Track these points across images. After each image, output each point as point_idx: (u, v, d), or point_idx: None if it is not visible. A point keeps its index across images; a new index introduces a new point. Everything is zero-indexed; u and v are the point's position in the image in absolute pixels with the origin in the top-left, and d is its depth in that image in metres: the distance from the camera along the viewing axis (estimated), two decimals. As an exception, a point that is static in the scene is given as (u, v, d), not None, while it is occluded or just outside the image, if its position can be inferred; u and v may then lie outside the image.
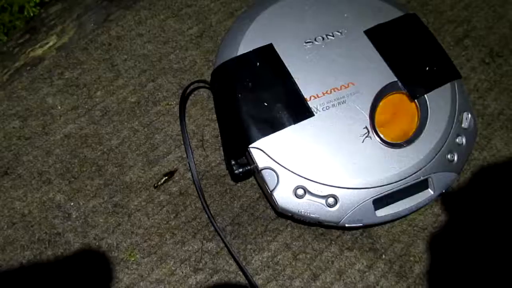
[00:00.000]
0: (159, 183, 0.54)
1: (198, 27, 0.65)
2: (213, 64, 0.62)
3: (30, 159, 0.56)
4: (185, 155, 0.57)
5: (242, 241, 0.53)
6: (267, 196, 0.53)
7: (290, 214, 0.51)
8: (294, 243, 0.53)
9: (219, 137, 0.58)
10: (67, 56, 0.61)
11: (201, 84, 0.60)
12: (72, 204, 0.54)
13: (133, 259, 0.52)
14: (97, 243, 0.52)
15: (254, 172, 0.53)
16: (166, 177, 0.55)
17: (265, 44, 0.56)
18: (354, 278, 0.52)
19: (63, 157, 0.56)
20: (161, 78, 0.61)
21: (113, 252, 0.52)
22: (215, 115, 0.60)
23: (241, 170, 0.53)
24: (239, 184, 0.56)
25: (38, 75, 0.60)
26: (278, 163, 0.51)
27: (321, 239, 0.54)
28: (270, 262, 0.52)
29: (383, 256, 0.53)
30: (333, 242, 0.54)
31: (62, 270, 0.50)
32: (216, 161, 0.57)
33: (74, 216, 0.53)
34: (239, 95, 0.54)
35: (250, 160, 0.53)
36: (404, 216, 0.54)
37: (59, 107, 0.59)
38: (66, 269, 0.51)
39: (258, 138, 0.52)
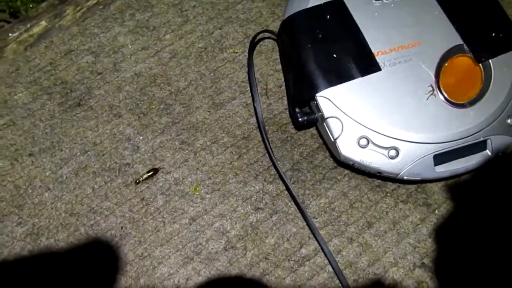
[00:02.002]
0: (141, 179, 0.54)
1: (265, -21, 0.66)
2: (278, 17, 0.64)
3: (101, 93, 0.58)
4: (249, 102, 0.59)
5: (300, 186, 0.55)
6: (329, 145, 0.55)
7: (351, 163, 0.53)
8: (350, 192, 0.55)
9: (282, 87, 0.60)
10: (138, -2, 0.63)
11: (268, 35, 0.61)
12: (141, 138, 0.56)
13: (197, 193, 0.54)
14: (164, 176, 0.55)
15: (317, 121, 0.55)
16: (149, 174, 0.54)
17: (336, -3, 0.57)
18: (407, 229, 0.54)
19: (132, 94, 0.58)
20: (227, 26, 0.63)
21: (179, 186, 0.54)
22: (279, 66, 0.61)
23: (305, 118, 0.55)
24: (299, 133, 0.58)
25: (110, 15, 0.62)
26: (344, 112, 0.53)
27: (376, 190, 0.56)
28: (327, 208, 0.55)
29: (436, 212, 0.55)
30: (388, 194, 0.55)
31: (129, 198, 0.53)
32: (279, 109, 0.59)
33: (142, 149, 0.56)
34: (309, 46, 0.55)
35: (315, 109, 0.55)
36: (460, 175, 0.55)
37: (130, 47, 0.60)
38: (132, 197, 0.53)
39: (326, 88, 0.53)
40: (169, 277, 0.50)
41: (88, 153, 0.55)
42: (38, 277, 0.49)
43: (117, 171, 0.54)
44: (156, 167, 0.54)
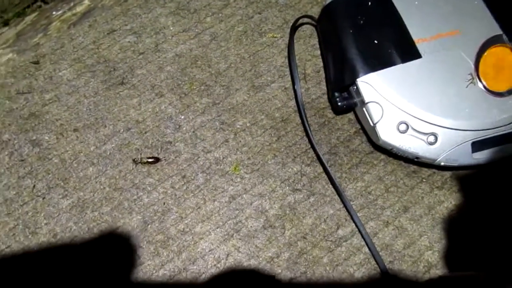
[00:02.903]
0: (140, 160, 0.54)
1: (303, -34, 0.67)
2: (317, 3, 0.64)
3: (143, 72, 0.59)
4: (287, 86, 0.60)
5: (337, 169, 0.56)
6: (368, 129, 0.56)
7: (390, 148, 0.54)
8: (386, 177, 0.56)
9: (320, 72, 0.61)
10: (179, -19, 0.64)
11: (306, 20, 0.62)
12: (182, 117, 0.57)
13: (237, 173, 0.55)
14: (205, 155, 0.56)
15: (356, 106, 0.56)
16: (150, 160, 0.54)
17: (377, -15, 0.58)
18: (442, 214, 0.55)
19: (174, 74, 0.59)
20: (266, 11, 0.64)
21: (219, 165, 0.55)
22: (317, 51, 0.62)
23: (344, 102, 0.56)
24: (337, 118, 0.59)
25: (152, -4, 0.63)
26: (384, 97, 0.54)
27: (412, 176, 0.57)
28: (363, 192, 0.56)
29: (469, 198, 0.56)
30: (424, 180, 0.56)
31: (170, 175, 0.54)
32: (317, 94, 0.60)
33: (184, 128, 0.57)
34: (351, 31, 0.56)
35: (355, 94, 0.56)
36: (497, 162, 0.56)
37: (171, 28, 0.61)
38: (174, 174, 0.54)
39: (367, 73, 0.54)
40: (210, 252, 0.52)
41: (131, 130, 0.56)
42: (85, 247, 0.50)
43: (159, 149, 0.56)
44: (159, 157, 0.55)
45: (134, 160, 0.54)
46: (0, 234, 0.50)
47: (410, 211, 0.55)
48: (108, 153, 0.55)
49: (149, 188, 0.54)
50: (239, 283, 0.50)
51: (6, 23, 0.76)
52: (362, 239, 0.53)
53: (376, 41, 0.56)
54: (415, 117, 0.53)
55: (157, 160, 0.54)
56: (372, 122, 0.54)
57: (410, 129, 0.53)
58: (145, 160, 0.54)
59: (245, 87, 0.60)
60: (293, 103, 0.59)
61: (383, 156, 0.57)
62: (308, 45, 0.62)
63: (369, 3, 0.57)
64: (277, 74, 0.61)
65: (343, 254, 0.53)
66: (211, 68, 0.60)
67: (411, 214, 0.55)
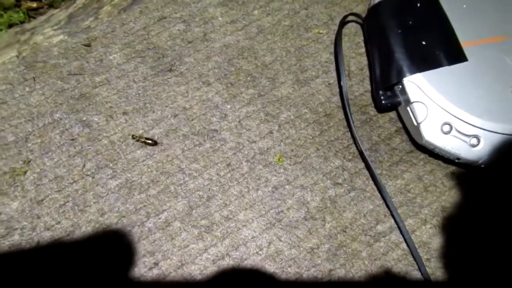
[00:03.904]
0: (138, 138, 0.55)
1: (350, -35, 0.68)
2: (362, 1, 0.65)
3: (191, 60, 0.60)
4: (331, 81, 0.61)
5: (377, 166, 0.58)
6: (411, 129, 0.57)
7: (432, 148, 0.55)
8: (425, 177, 0.57)
9: (364, 70, 0.62)
10: (229, -28, 0.65)
11: (352, 18, 0.63)
12: (228, 106, 0.58)
13: (280, 164, 0.56)
14: (249, 145, 0.57)
15: (399, 105, 0.57)
16: (148, 141, 0.55)
17: (426, -13, 0.59)
18: (478, 215, 0.56)
19: (221, 64, 0.60)
20: (313, 7, 0.65)
21: (263, 155, 0.57)
22: (361, 49, 0.63)
23: (389, 101, 0.57)
24: (379, 115, 0.60)
25: (202, -14, 0.64)
26: (429, 98, 0.55)
27: (451, 177, 0.57)
28: (403, 189, 0.57)
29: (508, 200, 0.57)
30: (462, 181, 0.57)
31: (216, 162, 0.55)
32: (359, 91, 0.61)
33: (230, 118, 0.58)
34: (399, 31, 0.57)
35: (399, 93, 0.57)
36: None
37: (220, 19, 0.62)
38: (219, 161, 0.56)
39: (414, 73, 0.55)
40: (252, 239, 0.53)
41: (178, 116, 0.57)
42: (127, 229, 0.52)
43: (205, 136, 0.57)
44: (159, 141, 0.55)
45: (133, 136, 0.55)
46: (51, 210, 0.52)
47: (448, 211, 0.56)
48: (156, 138, 0.56)
49: (195, 174, 0.55)
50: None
51: (51, 5, 0.78)
52: (401, 236, 0.54)
53: (423, 42, 0.57)
54: (459, 118, 0.54)
55: (155, 143, 0.55)
56: (416, 122, 0.55)
57: (453, 130, 0.54)
58: (143, 139, 0.55)
59: (290, 81, 0.61)
60: (336, 98, 0.60)
61: (423, 156, 0.58)
62: (353, 43, 0.63)
63: (418, 5, 0.58)
64: (322, 70, 0.62)
65: (382, 249, 0.54)
66: (257, 60, 0.61)
67: (449, 214, 0.56)
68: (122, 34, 0.60)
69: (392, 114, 0.61)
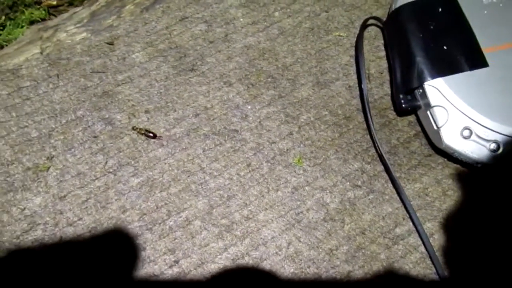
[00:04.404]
0: (138, 130, 0.55)
1: (371, -31, 0.68)
2: (382, 5, 0.66)
3: (213, 60, 0.61)
4: (351, 84, 0.61)
5: (396, 169, 0.58)
6: (430, 133, 0.57)
7: (452, 152, 0.55)
8: (444, 180, 0.58)
9: (383, 73, 0.62)
10: (250, -26, 0.65)
11: (373, 21, 0.63)
12: (249, 107, 0.59)
13: (300, 165, 0.57)
14: (270, 146, 0.57)
15: (419, 108, 0.58)
16: (147, 133, 0.55)
17: (447, -8, 0.59)
18: (497, 220, 0.56)
19: (242, 65, 0.61)
20: (333, 10, 0.65)
21: (283, 156, 0.57)
22: (381, 53, 0.63)
23: (409, 104, 0.57)
24: (398, 119, 0.60)
25: (223, -14, 0.64)
26: (450, 102, 0.55)
27: (470, 181, 0.58)
28: (421, 193, 0.57)
29: (526, 207, 0.57)
30: (480, 186, 0.58)
31: (236, 162, 0.56)
32: (379, 94, 0.61)
33: (250, 118, 0.58)
34: (420, 36, 0.57)
35: (420, 97, 0.57)
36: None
37: (241, 20, 0.63)
38: (240, 161, 0.56)
39: (435, 77, 0.56)
40: (272, 240, 0.53)
41: (199, 116, 0.58)
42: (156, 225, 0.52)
43: (226, 136, 0.57)
44: (158, 134, 0.55)
45: (133, 128, 0.55)
46: (73, 206, 0.52)
47: (466, 214, 0.56)
48: (177, 136, 0.56)
49: (215, 173, 0.55)
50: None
51: (71, 3, 0.78)
52: (419, 239, 0.54)
53: (445, 47, 0.57)
54: (479, 123, 0.55)
55: (154, 136, 0.55)
56: (436, 126, 0.55)
57: (473, 135, 0.54)
58: (143, 131, 0.55)
59: (310, 83, 0.61)
60: (356, 101, 0.61)
61: (441, 160, 0.59)
62: (372, 46, 0.64)
63: (440, 9, 0.59)
64: (342, 72, 0.62)
65: (400, 252, 0.54)
66: (278, 62, 0.62)
67: (467, 217, 0.56)
68: (145, 33, 0.61)
69: (411, 118, 0.61)
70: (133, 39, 0.60)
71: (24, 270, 0.49)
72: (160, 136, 0.55)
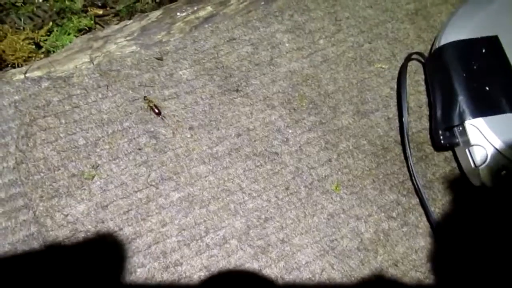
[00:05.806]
0: (149, 102, 0.57)
1: (414, 4, 0.69)
2: (424, 41, 0.67)
3: (257, 83, 0.62)
4: (390, 116, 0.62)
5: (431, 204, 0.58)
6: (467, 170, 0.58)
7: (488, 190, 0.56)
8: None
9: (422, 107, 0.63)
10: (298, 1, 0.67)
11: (416, 56, 0.65)
12: (290, 131, 0.60)
13: (337, 192, 0.58)
14: (308, 171, 0.58)
15: (458, 145, 0.58)
16: (154, 109, 0.58)
17: (491, 34, 0.61)
18: (529, 263, 0.56)
19: (285, 89, 0.62)
20: (376, 42, 0.66)
21: (321, 182, 0.58)
22: (420, 87, 0.64)
23: (448, 140, 0.58)
24: (434, 154, 0.61)
25: (271, 12, 0.66)
26: (490, 142, 0.56)
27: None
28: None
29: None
30: (513, 227, 0.58)
31: (275, 185, 0.57)
32: (417, 128, 0.62)
33: (291, 142, 0.59)
34: (464, 75, 0.58)
35: (459, 134, 0.58)
36: None
37: (286, 45, 0.64)
38: (279, 185, 0.57)
39: (476, 117, 0.57)
40: (306, 265, 0.54)
41: (242, 136, 0.59)
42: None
43: (266, 158, 0.58)
44: (161, 111, 0.57)
45: (145, 98, 0.58)
46: (115, 216, 0.53)
47: (499, 251, 0.57)
48: (219, 155, 0.57)
49: (254, 194, 0.56)
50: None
51: (116, 14, 0.80)
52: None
53: (487, 88, 0.58)
54: (518, 166, 0.55)
55: (159, 113, 0.57)
56: (474, 164, 0.56)
57: (510, 175, 0.55)
58: (152, 104, 0.57)
59: (351, 111, 0.62)
60: (394, 133, 0.62)
61: (476, 197, 0.59)
62: (413, 80, 0.65)
63: (483, 50, 0.60)
64: (382, 104, 0.63)
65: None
66: (320, 89, 0.63)
67: (500, 255, 0.56)
68: (193, 51, 0.63)
69: (448, 154, 0.62)
70: (181, 55, 0.62)
71: (64, 274, 0.50)
72: (163, 116, 0.57)
